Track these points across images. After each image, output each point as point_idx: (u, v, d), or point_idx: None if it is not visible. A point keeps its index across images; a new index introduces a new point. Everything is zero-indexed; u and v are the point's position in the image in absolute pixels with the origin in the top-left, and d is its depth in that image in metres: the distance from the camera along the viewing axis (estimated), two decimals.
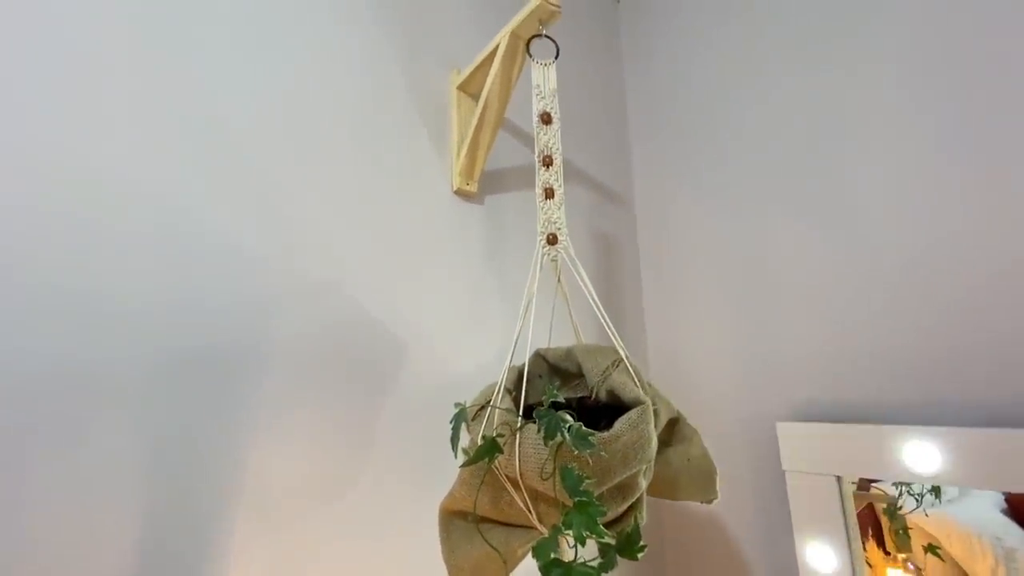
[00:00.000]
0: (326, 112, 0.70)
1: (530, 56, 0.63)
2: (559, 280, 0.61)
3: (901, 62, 0.74)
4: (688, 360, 0.96)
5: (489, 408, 0.46)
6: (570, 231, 0.60)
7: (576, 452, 0.38)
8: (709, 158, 0.98)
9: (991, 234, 0.64)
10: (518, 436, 0.44)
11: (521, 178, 0.88)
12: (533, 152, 0.61)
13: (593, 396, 0.54)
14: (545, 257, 0.59)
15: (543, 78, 0.62)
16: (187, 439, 0.53)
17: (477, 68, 0.76)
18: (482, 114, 0.73)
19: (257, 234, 0.61)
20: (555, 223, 0.59)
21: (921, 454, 0.64)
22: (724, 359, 0.90)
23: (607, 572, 0.35)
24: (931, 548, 0.66)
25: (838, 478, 0.71)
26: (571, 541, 0.37)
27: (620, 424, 0.43)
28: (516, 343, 0.54)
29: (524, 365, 0.56)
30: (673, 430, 0.57)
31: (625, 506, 0.47)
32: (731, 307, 0.90)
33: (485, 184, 0.83)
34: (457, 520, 0.49)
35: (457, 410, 0.47)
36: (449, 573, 0.49)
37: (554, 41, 0.64)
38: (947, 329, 0.67)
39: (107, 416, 0.49)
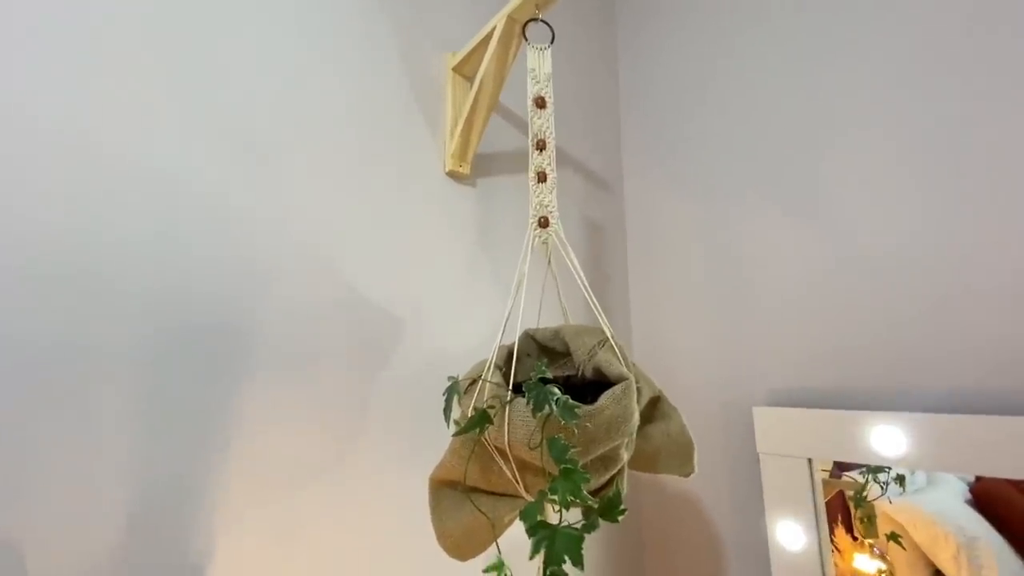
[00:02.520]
0: (322, 90, 0.70)
1: (526, 40, 0.64)
2: (549, 262, 0.62)
3: (885, 61, 0.77)
4: (670, 345, 0.98)
5: (480, 382, 0.48)
6: (560, 216, 0.62)
7: (563, 423, 0.40)
8: (697, 149, 1.00)
9: (960, 226, 0.67)
10: (508, 408, 0.45)
11: (513, 161, 0.89)
12: (526, 136, 0.62)
13: (579, 374, 0.56)
14: (536, 239, 0.60)
15: (539, 62, 0.62)
16: (182, 412, 0.53)
17: (472, 50, 0.77)
18: (476, 96, 0.74)
19: (251, 210, 0.61)
20: (547, 206, 0.61)
21: (888, 438, 0.68)
22: (704, 345, 0.93)
23: (589, 533, 0.37)
24: (893, 536, 0.69)
25: (809, 460, 0.74)
26: (556, 507, 0.39)
27: (605, 398, 0.45)
28: (507, 322, 0.56)
29: (514, 344, 0.58)
30: (655, 408, 0.60)
31: (607, 477, 0.49)
32: (712, 295, 0.93)
33: (477, 166, 0.83)
34: (446, 489, 0.51)
35: (450, 383, 0.48)
36: (439, 540, 0.50)
37: (550, 26, 0.64)
38: (915, 319, 0.70)
39: (103, 390, 0.49)
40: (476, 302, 0.80)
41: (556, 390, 0.42)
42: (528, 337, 0.62)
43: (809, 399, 0.79)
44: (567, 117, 1.01)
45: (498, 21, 0.68)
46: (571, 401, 0.41)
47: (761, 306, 0.86)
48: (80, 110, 0.52)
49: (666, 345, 0.99)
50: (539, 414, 0.42)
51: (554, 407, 0.40)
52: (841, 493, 0.74)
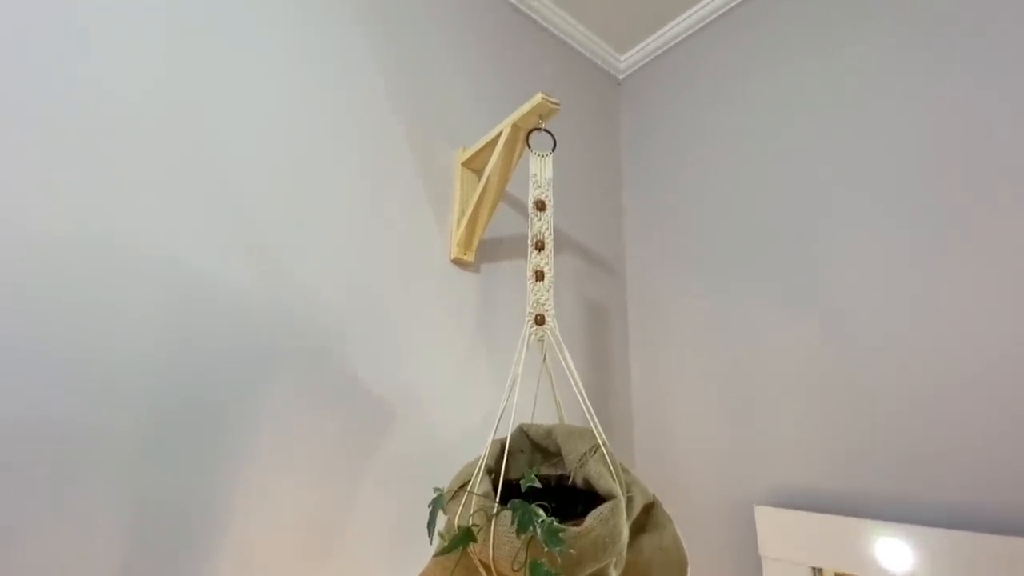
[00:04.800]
0: (335, 179, 0.74)
1: (529, 147, 0.68)
2: (544, 359, 0.63)
3: (887, 152, 0.79)
4: (672, 435, 0.97)
5: (466, 494, 0.48)
6: (561, 300, 0.63)
7: (546, 549, 0.40)
8: (699, 238, 1.02)
9: (972, 334, 0.67)
10: (493, 522, 0.45)
11: (515, 248, 0.92)
12: (528, 229, 0.65)
13: (571, 480, 0.55)
14: (532, 336, 0.62)
15: (540, 168, 0.66)
16: (172, 500, 0.54)
17: (481, 149, 0.82)
18: (483, 192, 0.78)
19: (255, 294, 0.64)
20: (543, 304, 0.62)
21: (898, 552, 0.65)
22: (707, 437, 0.91)
23: None
24: None
25: (815, 570, 0.71)
26: None
27: (591, 519, 0.44)
28: (499, 421, 0.56)
29: (506, 440, 0.58)
30: (648, 515, 0.58)
31: None
32: (715, 386, 0.92)
33: (482, 252, 0.86)
34: None
35: (435, 495, 0.48)
36: None
37: (552, 135, 0.69)
38: (925, 428, 0.69)
39: (95, 475, 0.50)
40: (474, 389, 0.81)
41: (541, 511, 0.41)
42: (522, 433, 0.62)
43: (814, 501, 0.76)
44: (570, 200, 1.05)
45: (504, 127, 0.73)
46: (555, 524, 0.41)
47: (766, 400, 0.85)
48: (93, 199, 0.55)
49: (668, 435, 0.97)
50: (523, 535, 0.41)
51: (538, 530, 0.40)
52: None
